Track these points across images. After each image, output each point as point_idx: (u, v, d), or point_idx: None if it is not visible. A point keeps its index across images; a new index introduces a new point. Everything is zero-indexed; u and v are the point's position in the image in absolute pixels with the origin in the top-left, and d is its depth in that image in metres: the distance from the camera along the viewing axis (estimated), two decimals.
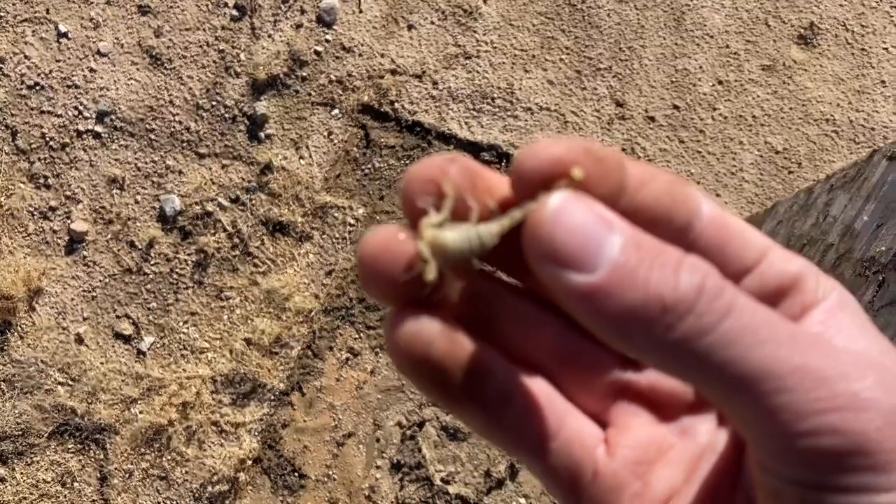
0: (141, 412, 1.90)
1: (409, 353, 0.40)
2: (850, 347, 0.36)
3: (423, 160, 0.39)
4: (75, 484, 1.91)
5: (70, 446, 1.92)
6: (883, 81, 2.06)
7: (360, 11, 2.08)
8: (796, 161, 2.01)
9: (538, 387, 0.43)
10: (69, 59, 2.08)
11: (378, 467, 1.84)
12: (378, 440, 1.85)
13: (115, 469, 1.91)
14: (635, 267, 0.33)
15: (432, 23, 2.08)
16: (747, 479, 0.42)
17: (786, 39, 2.10)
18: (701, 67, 2.06)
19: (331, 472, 1.85)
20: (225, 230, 1.96)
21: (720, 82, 2.05)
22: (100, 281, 1.98)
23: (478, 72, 2.05)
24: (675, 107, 2.03)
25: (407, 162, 2.00)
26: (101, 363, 1.94)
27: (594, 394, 0.44)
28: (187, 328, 1.94)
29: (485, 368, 0.40)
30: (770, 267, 0.41)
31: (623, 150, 2.03)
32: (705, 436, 0.44)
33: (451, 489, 1.81)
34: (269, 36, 2.05)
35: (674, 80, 2.05)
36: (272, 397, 1.89)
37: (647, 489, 0.42)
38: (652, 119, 2.03)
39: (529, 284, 0.44)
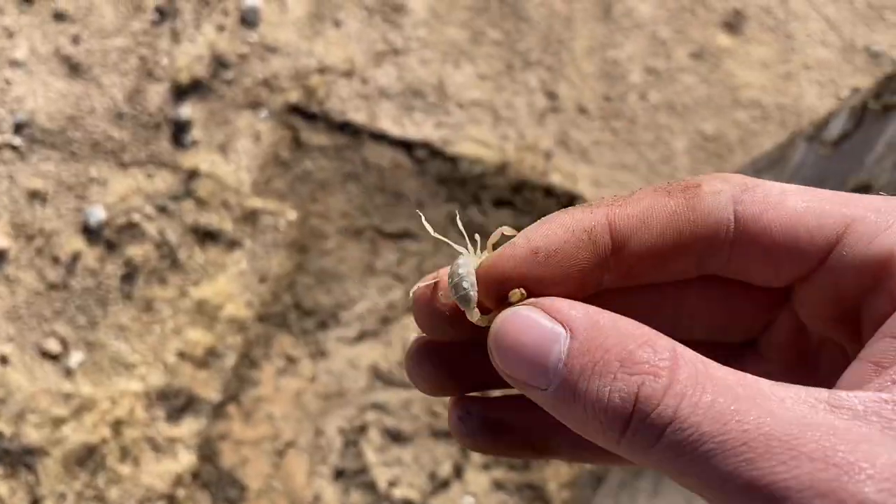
0: (72, 431, 1.84)
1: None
2: None
3: (418, 286, 0.41)
4: None
5: None
6: (807, 66, 2.09)
7: (285, 11, 2.04)
8: (727, 146, 2.03)
9: None
10: None
11: (321, 475, 1.80)
12: (320, 447, 1.81)
13: (48, 492, 1.83)
14: (576, 380, 0.32)
15: (359, 20, 2.05)
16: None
17: (712, 27, 2.12)
18: (630, 57, 2.07)
19: (272, 483, 1.81)
20: (152, 240, 1.90)
21: (650, 71, 2.06)
22: (24, 298, 1.90)
23: (407, 68, 2.03)
24: (607, 97, 2.03)
25: (338, 162, 1.96)
26: (29, 383, 1.86)
27: None
28: (117, 343, 1.87)
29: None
30: (841, 260, 0.37)
31: (558, 142, 2.03)
32: None
33: (397, 492, 1.78)
34: (191, 39, 2.00)
35: (604, 70, 2.05)
36: (208, 409, 1.83)
37: None
38: (584, 110, 2.02)
39: None
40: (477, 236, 0.43)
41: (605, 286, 0.40)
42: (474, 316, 0.39)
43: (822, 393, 0.31)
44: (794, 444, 0.28)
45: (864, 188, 1.14)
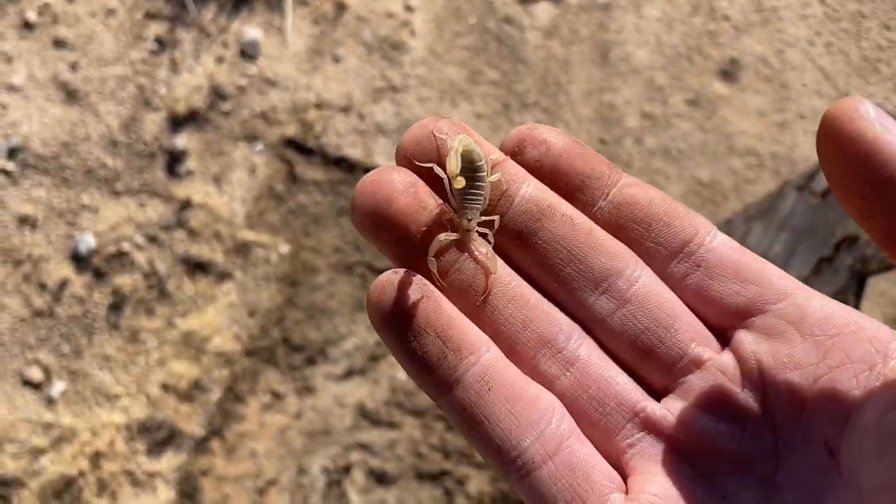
0: (50, 463, 1.80)
1: None
2: None
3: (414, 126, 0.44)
4: None
5: None
6: (802, 115, 2.10)
7: (285, 45, 2.05)
8: (722, 193, 2.03)
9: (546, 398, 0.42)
10: None
11: None
12: (302, 486, 1.78)
13: None
14: None
15: (358, 56, 2.06)
16: None
17: (709, 74, 2.13)
18: (627, 101, 2.08)
19: None
20: (141, 270, 1.88)
21: (646, 116, 2.07)
22: (8, 325, 1.87)
23: (405, 105, 2.03)
24: (602, 140, 2.04)
25: (333, 197, 1.96)
26: (8, 412, 1.83)
27: (610, 427, 0.41)
28: (101, 373, 1.84)
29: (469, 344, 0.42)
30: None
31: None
32: None
33: None
34: (190, 70, 2.00)
35: (600, 114, 2.06)
36: (191, 444, 1.80)
37: None
38: None
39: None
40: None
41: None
42: None
43: None
44: None
45: (851, 239, 1.13)
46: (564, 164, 0.44)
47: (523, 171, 0.45)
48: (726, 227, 1.55)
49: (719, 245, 0.43)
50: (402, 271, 0.42)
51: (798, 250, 1.18)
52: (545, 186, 0.45)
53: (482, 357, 0.40)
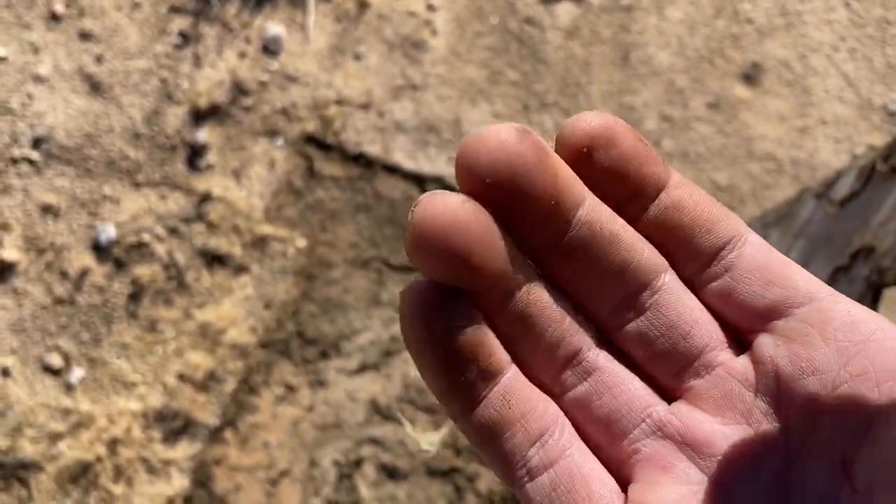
0: (68, 448, 1.83)
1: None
2: None
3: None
4: None
5: None
6: (824, 121, 2.09)
7: (307, 41, 2.07)
8: (740, 197, 2.02)
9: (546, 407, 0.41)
10: (6, 83, 2.03)
11: None
12: (313, 478, 1.80)
13: None
14: None
15: (379, 54, 2.07)
16: None
17: (730, 78, 2.12)
18: (646, 104, 2.07)
19: None
20: (160, 261, 1.91)
21: (665, 119, 2.07)
22: (30, 312, 1.91)
23: (424, 104, 2.04)
24: None
25: (351, 193, 1.97)
26: (28, 397, 1.86)
27: (618, 433, 0.41)
28: (119, 361, 1.87)
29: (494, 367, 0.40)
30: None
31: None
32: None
33: None
34: (212, 64, 2.02)
35: (619, 115, 2.06)
36: (205, 433, 1.82)
37: None
38: None
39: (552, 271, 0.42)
40: None
41: None
42: None
43: None
44: None
45: (868, 250, 1.13)
46: (632, 169, 0.40)
47: (584, 189, 0.40)
48: None
49: (749, 246, 0.41)
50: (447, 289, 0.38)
51: (814, 259, 1.18)
52: (598, 203, 0.40)
53: (505, 376, 0.39)
